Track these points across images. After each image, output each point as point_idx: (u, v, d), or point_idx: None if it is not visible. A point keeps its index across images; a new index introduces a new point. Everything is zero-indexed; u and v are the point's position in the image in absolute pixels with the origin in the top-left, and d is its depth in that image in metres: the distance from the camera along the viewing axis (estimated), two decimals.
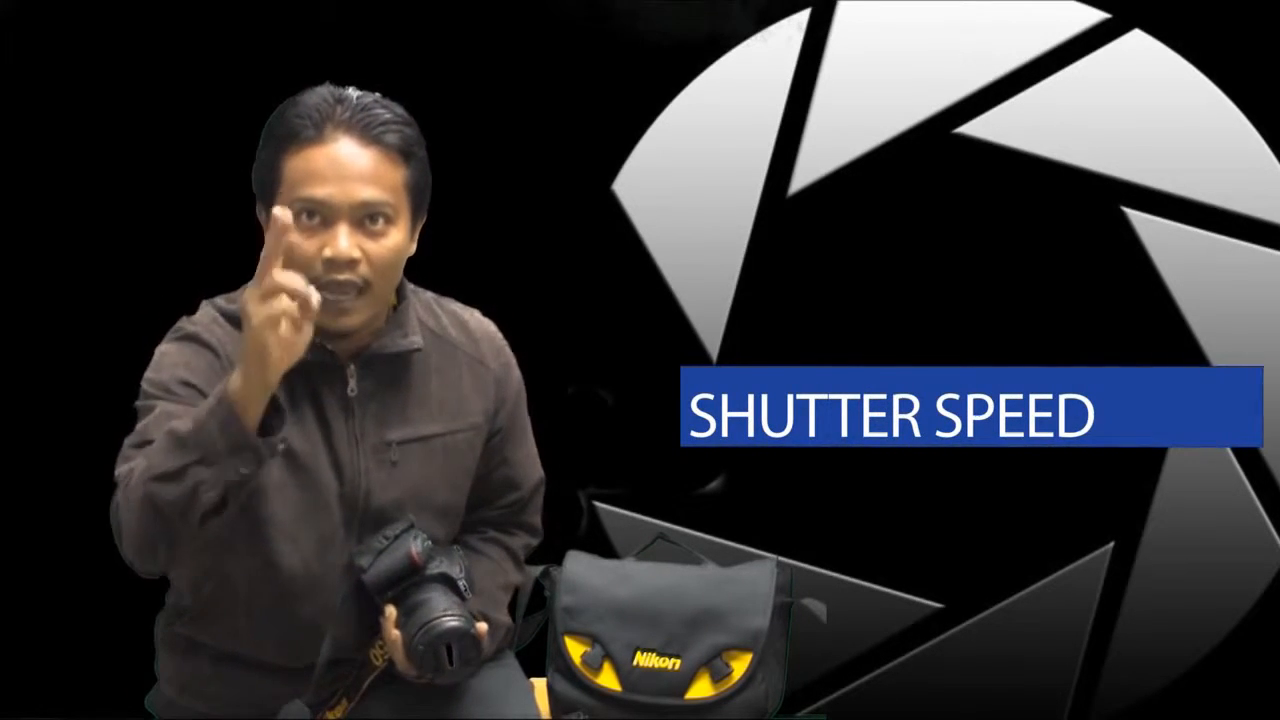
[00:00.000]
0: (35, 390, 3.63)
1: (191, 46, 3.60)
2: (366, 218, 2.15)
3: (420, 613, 2.22)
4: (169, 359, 2.19)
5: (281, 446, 2.07)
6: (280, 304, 1.95)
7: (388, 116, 2.18)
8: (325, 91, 2.19)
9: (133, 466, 2.07)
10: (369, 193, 2.14)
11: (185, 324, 2.25)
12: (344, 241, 2.12)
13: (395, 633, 2.23)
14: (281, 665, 2.30)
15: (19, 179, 3.62)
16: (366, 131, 2.15)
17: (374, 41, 3.59)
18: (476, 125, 3.58)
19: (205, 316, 2.26)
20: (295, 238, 2.09)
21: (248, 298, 1.99)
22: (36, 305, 3.63)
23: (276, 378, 1.99)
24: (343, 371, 2.23)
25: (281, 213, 2.00)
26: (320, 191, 2.12)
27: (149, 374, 2.20)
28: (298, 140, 2.14)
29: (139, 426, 2.16)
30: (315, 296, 1.99)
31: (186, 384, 2.15)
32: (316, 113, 2.15)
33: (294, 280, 1.98)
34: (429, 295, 2.41)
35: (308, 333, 2.00)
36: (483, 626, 2.26)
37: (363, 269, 2.15)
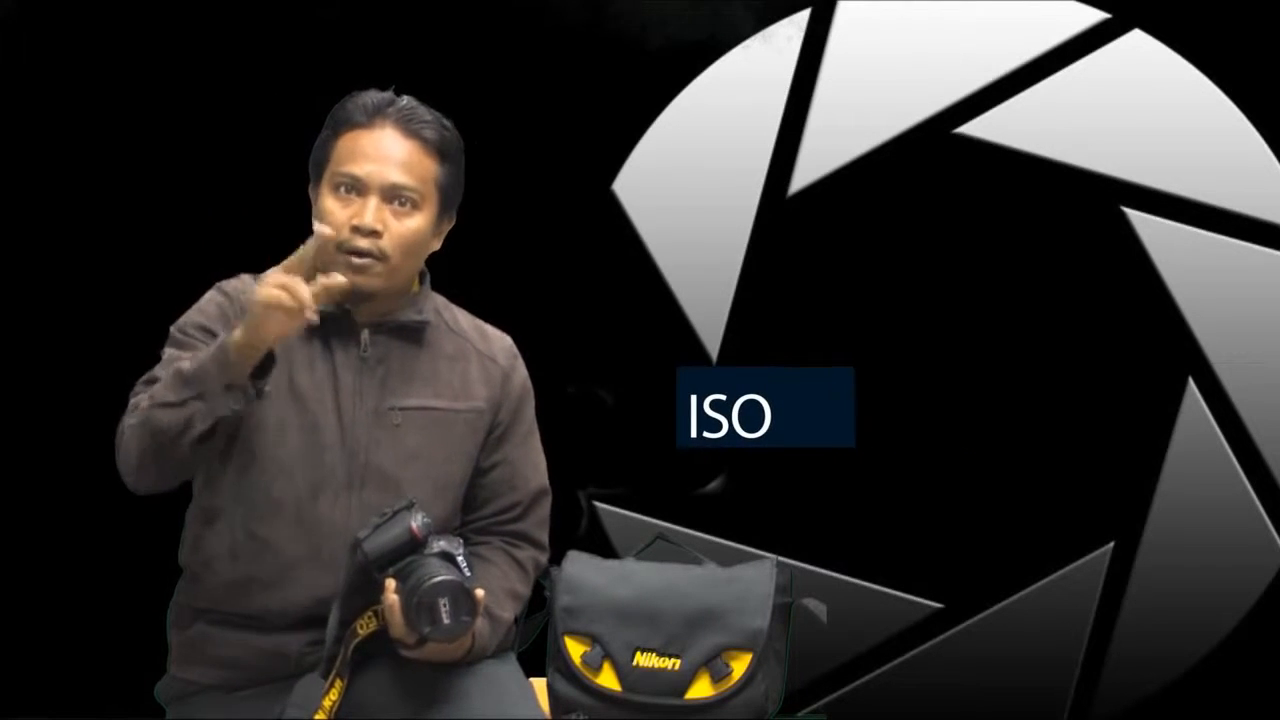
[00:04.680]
0: (37, 392, 3.63)
1: (191, 47, 3.60)
2: (395, 199, 2.37)
3: (416, 576, 2.29)
4: (197, 308, 2.42)
5: (267, 390, 2.31)
6: (283, 298, 2.19)
7: (430, 118, 2.43)
8: (384, 92, 2.43)
9: (138, 400, 2.30)
10: (400, 177, 2.37)
11: (223, 282, 2.46)
12: (370, 214, 2.35)
13: (393, 597, 2.29)
14: (269, 619, 2.37)
15: (19, 178, 3.62)
16: (409, 125, 2.40)
17: (375, 42, 3.59)
18: (477, 125, 3.56)
19: (240, 278, 2.46)
20: (331, 204, 2.36)
21: (264, 277, 2.23)
22: (36, 304, 3.63)
23: (270, 344, 2.24)
24: (358, 334, 2.41)
25: (322, 229, 2.28)
26: (359, 169, 2.37)
27: (177, 321, 2.41)
28: (350, 124, 2.39)
29: (155, 369, 2.38)
30: (313, 316, 2.22)
31: (203, 328, 2.37)
32: (372, 104, 2.41)
33: (300, 292, 2.20)
34: (454, 305, 2.56)
35: (303, 319, 2.22)
36: (480, 591, 2.31)
37: (383, 241, 2.36)
